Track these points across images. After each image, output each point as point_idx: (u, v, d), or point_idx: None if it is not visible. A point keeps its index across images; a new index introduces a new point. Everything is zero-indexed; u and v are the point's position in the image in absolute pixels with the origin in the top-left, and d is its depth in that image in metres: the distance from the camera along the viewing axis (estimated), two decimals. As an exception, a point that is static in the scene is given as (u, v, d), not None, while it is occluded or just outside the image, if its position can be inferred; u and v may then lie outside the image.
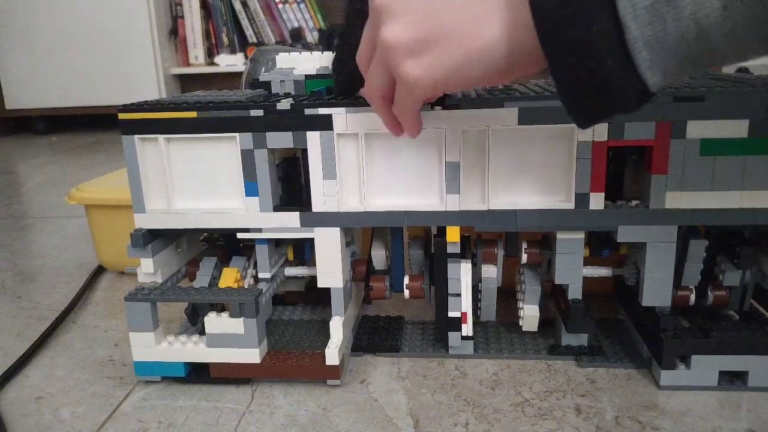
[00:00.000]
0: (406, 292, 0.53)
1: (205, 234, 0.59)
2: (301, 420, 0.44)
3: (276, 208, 0.48)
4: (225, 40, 2.19)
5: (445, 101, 0.44)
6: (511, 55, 0.29)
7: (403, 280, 0.53)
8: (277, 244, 0.53)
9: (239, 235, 0.49)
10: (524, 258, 0.51)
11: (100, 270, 0.77)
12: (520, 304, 0.52)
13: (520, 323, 0.52)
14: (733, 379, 0.46)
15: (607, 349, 0.51)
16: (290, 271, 0.55)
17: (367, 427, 0.43)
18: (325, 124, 0.45)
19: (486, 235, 0.53)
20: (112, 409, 0.47)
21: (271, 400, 0.47)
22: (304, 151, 0.47)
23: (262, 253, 0.51)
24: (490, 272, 0.52)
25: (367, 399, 0.47)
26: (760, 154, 0.43)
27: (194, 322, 0.54)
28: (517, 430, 0.42)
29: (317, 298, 0.61)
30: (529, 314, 0.51)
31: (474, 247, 0.52)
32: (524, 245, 0.51)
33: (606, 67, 0.26)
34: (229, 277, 0.51)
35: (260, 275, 0.51)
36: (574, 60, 0.26)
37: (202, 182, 0.49)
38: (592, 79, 0.26)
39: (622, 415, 0.43)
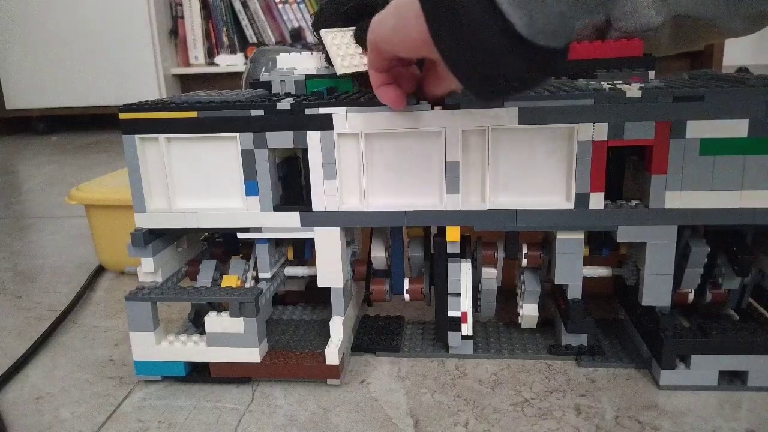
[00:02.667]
0: (407, 296, 0.53)
1: (206, 234, 0.59)
2: (301, 420, 0.44)
3: (276, 208, 0.48)
4: (225, 40, 2.19)
5: (446, 101, 0.44)
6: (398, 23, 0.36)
7: (404, 283, 0.53)
8: (277, 243, 0.53)
9: (239, 235, 0.49)
10: (524, 262, 0.51)
11: (100, 270, 0.77)
12: (520, 303, 0.52)
13: (519, 320, 0.52)
14: (733, 379, 0.46)
15: (607, 349, 0.51)
16: (290, 270, 0.55)
17: (367, 427, 0.43)
18: (325, 123, 0.46)
19: (486, 237, 0.53)
20: (112, 409, 0.47)
21: (271, 400, 0.47)
22: (305, 150, 0.47)
23: (262, 252, 0.51)
24: (490, 274, 0.52)
25: (367, 399, 0.47)
26: (760, 154, 0.43)
27: (198, 324, 0.54)
28: (517, 430, 0.42)
29: (317, 298, 0.61)
30: (528, 314, 0.51)
31: (474, 249, 0.52)
32: (524, 248, 0.51)
33: (473, 17, 0.30)
34: (229, 282, 0.51)
35: (260, 275, 0.51)
36: (446, 14, 0.31)
37: (202, 182, 0.49)
38: (464, 33, 0.30)
39: (622, 414, 0.43)
